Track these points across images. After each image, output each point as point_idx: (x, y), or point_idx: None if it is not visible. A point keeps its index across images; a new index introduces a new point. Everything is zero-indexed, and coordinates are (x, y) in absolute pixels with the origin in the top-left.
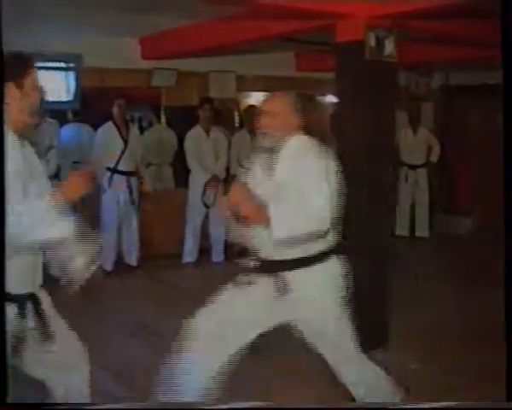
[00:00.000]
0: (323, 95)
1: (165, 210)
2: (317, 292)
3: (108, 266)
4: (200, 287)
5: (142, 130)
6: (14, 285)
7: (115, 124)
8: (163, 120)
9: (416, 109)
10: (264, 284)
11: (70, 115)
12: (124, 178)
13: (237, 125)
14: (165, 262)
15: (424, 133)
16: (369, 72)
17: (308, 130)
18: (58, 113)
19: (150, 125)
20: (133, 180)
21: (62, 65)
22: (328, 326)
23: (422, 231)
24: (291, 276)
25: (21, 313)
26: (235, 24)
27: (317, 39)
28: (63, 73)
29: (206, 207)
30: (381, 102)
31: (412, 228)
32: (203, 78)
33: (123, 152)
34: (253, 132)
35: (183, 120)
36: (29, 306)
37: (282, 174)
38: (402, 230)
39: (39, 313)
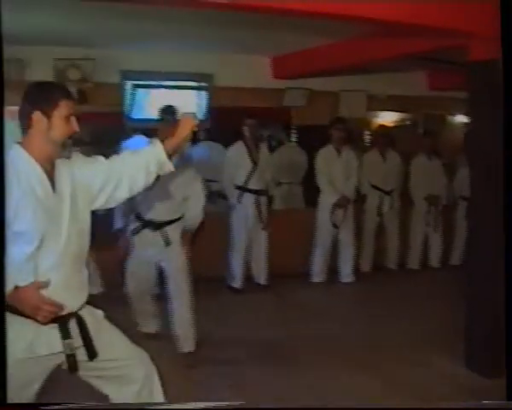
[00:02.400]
0: (455, 114)
1: (295, 229)
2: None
3: (237, 284)
4: (328, 307)
5: (271, 148)
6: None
7: (245, 144)
8: (293, 139)
9: None
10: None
11: (201, 134)
12: (253, 196)
13: (368, 144)
14: (294, 282)
15: None
16: (502, 91)
17: (438, 151)
18: None
19: (280, 143)
20: (262, 199)
21: (194, 84)
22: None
23: None
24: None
25: (65, 334)
26: (367, 43)
27: (449, 58)
28: (195, 92)
29: (335, 227)
30: None
31: None
32: (334, 97)
33: (252, 172)
34: (384, 152)
35: (313, 140)
36: (73, 325)
37: None
38: None
39: (83, 332)
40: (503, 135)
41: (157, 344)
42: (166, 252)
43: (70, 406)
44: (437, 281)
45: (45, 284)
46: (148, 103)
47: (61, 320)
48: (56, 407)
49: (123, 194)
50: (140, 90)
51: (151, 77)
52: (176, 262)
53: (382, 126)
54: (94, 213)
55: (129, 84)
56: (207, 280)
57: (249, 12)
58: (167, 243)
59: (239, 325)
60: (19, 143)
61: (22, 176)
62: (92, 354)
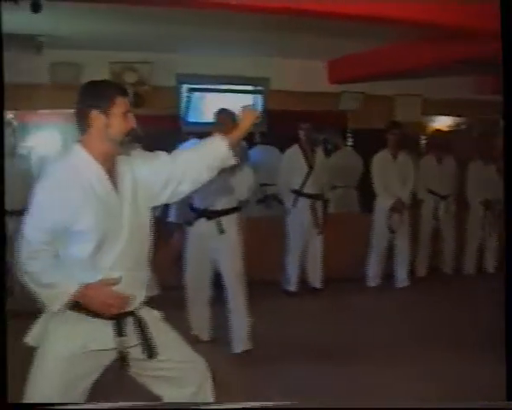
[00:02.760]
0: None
1: (350, 233)
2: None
3: (292, 288)
4: (383, 311)
5: (327, 152)
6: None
7: (301, 148)
8: (349, 142)
9: None
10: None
11: (257, 137)
12: (308, 200)
13: (423, 149)
14: (350, 286)
15: None
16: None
17: (494, 155)
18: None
19: (336, 147)
20: (318, 203)
21: (250, 88)
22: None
23: None
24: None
25: (119, 331)
26: (420, 47)
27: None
28: (251, 96)
29: (392, 232)
30: None
31: None
32: (389, 101)
33: (308, 176)
34: (439, 157)
35: (369, 144)
36: (129, 324)
37: None
38: None
39: (142, 330)
40: (503, 135)
41: (211, 345)
42: (221, 244)
43: (70, 406)
44: (491, 286)
45: (116, 281)
46: (204, 106)
47: (119, 317)
48: (56, 407)
49: (185, 189)
50: (196, 94)
51: (207, 80)
52: (231, 257)
53: (438, 131)
54: None
55: (185, 87)
56: (263, 284)
57: (257, 12)
58: (221, 230)
59: (293, 327)
60: (78, 142)
61: (82, 175)
62: (151, 352)
